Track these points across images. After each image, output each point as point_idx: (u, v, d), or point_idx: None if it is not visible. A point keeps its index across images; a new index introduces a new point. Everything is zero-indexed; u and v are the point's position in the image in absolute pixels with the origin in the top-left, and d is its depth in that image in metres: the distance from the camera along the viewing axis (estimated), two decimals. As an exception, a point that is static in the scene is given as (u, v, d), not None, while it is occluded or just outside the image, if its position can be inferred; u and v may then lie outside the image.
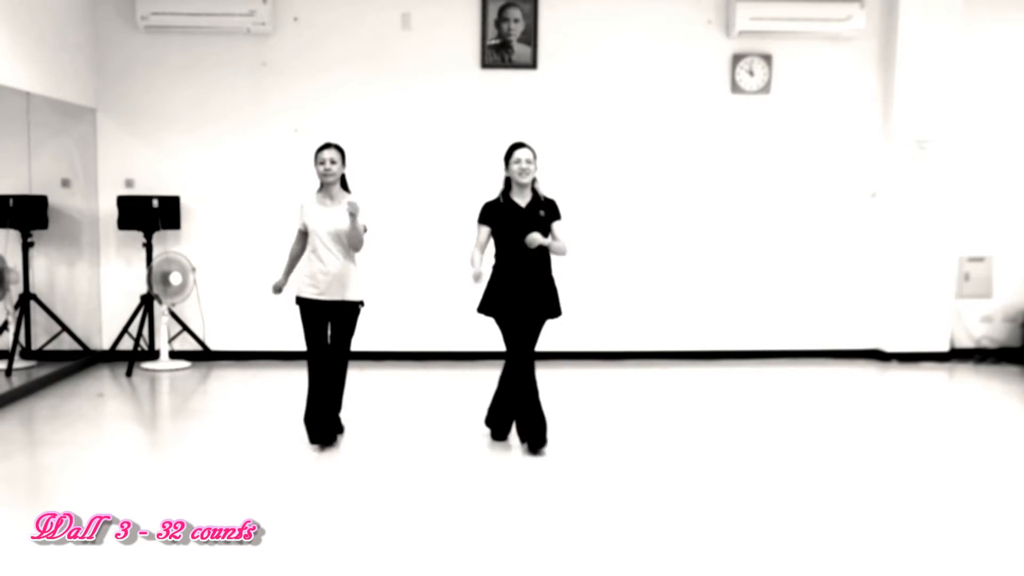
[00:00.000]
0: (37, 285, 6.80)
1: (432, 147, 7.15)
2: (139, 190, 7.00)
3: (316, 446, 4.88)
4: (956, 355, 7.52)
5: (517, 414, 4.97)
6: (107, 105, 7.01)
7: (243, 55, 7.03)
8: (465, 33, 7.11)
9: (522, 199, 4.89)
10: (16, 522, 3.77)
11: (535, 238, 4.68)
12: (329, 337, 4.97)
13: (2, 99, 6.03)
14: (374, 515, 3.98)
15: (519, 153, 4.85)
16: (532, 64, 7.13)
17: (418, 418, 5.50)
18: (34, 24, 6.06)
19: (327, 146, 4.91)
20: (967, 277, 7.57)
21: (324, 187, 4.93)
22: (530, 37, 7.10)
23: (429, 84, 7.11)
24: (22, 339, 6.64)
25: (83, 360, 6.88)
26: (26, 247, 6.62)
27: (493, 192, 4.99)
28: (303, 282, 4.93)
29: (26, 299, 6.64)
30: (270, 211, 7.00)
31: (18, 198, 6.57)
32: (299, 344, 5.06)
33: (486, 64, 7.13)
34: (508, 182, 4.91)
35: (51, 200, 6.81)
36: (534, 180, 4.92)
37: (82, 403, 5.93)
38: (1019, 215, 7.56)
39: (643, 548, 3.62)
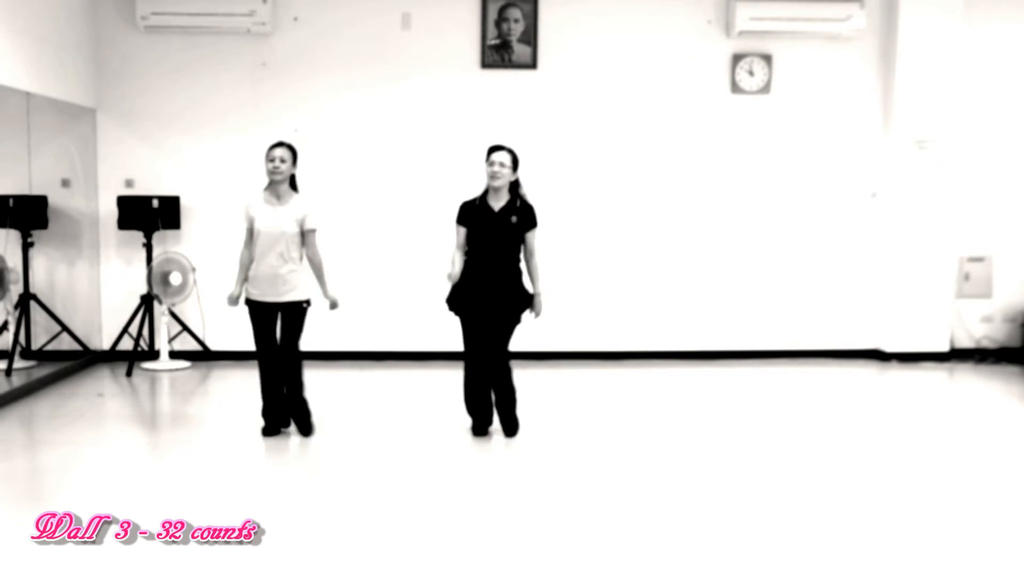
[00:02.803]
0: (37, 285, 6.80)
1: (432, 147, 7.14)
2: (139, 190, 7.00)
3: (269, 437, 5.04)
4: (956, 355, 7.52)
5: (498, 408, 5.11)
6: (107, 105, 7.01)
7: (243, 55, 7.03)
8: (465, 33, 7.10)
9: (496, 202, 4.89)
10: (16, 522, 3.77)
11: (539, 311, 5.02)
12: (278, 338, 5.00)
13: (2, 99, 6.04)
14: (374, 515, 3.98)
15: (494, 156, 4.85)
16: (532, 64, 7.13)
17: (418, 417, 5.50)
18: (34, 24, 6.06)
19: (279, 144, 4.93)
20: (967, 277, 7.57)
21: (271, 185, 4.92)
22: (530, 37, 7.10)
23: (429, 84, 7.11)
24: (22, 339, 6.64)
25: (83, 360, 6.88)
26: (26, 247, 6.62)
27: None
28: (250, 282, 4.97)
29: (26, 299, 6.64)
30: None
31: (18, 198, 6.57)
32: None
33: (486, 64, 7.13)
34: None
35: (51, 200, 6.81)
36: (518, 184, 4.91)
37: (82, 403, 5.93)
38: (1019, 215, 7.56)
39: (640, 548, 3.63)
